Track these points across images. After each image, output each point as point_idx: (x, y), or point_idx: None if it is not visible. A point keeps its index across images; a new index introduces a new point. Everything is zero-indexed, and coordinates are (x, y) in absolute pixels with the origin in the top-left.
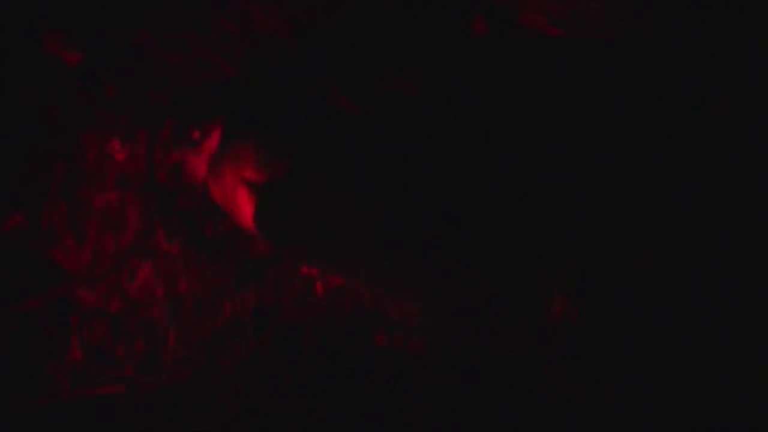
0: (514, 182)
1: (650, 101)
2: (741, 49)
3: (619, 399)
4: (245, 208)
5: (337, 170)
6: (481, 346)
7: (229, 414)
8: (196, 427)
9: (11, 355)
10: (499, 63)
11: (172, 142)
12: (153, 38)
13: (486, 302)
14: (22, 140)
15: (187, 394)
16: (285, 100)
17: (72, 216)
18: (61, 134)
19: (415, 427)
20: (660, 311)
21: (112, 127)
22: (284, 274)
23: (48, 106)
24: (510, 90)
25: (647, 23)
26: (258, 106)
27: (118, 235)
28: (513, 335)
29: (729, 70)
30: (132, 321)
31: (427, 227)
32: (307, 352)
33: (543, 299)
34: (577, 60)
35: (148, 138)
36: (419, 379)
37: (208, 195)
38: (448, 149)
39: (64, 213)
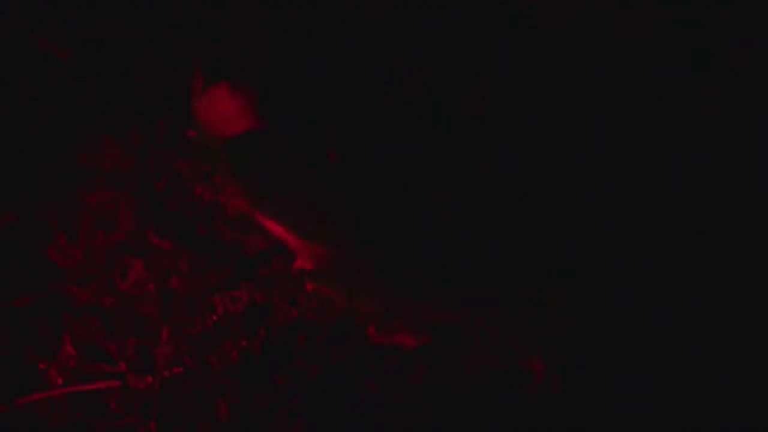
0: (513, 181)
1: (649, 101)
2: (740, 47)
3: (619, 399)
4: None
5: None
6: (478, 346)
7: (220, 411)
8: (188, 423)
9: (4, 352)
10: (497, 62)
11: (166, 140)
12: (150, 42)
13: (484, 302)
14: (16, 139)
15: (179, 391)
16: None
17: (65, 214)
18: (56, 133)
19: (410, 426)
20: (660, 311)
21: (105, 126)
22: (276, 272)
23: (42, 106)
24: (509, 90)
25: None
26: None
27: (110, 233)
28: (510, 335)
29: (729, 69)
30: (124, 318)
31: (420, 225)
32: (299, 349)
33: (542, 299)
34: (576, 60)
35: (141, 137)
36: (413, 377)
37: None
38: (444, 145)
39: (57, 211)
